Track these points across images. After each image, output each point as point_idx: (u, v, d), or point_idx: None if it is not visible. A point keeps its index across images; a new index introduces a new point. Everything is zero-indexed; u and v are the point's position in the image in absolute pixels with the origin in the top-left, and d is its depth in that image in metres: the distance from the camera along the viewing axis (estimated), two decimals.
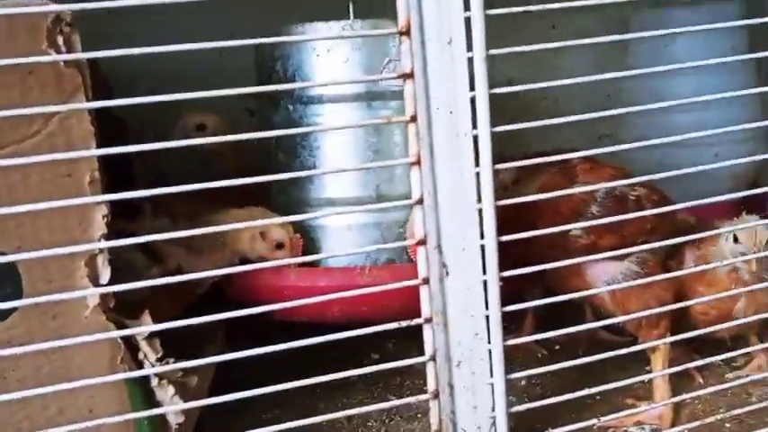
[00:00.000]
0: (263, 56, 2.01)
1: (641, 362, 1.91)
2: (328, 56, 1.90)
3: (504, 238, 1.41)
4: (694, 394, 1.84)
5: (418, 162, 1.38)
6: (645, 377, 1.81)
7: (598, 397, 1.90)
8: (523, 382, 2.03)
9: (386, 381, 2.11)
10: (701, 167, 1.74)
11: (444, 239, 1.41)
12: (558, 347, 2.27)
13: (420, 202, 1.39)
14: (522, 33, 2.79)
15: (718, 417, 1.75)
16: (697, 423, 1.72)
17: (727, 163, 1.68)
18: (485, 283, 1.42)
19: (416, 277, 1.41)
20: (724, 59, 2.06)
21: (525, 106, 2.67)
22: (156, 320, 1.44)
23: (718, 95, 1.89)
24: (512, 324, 2.17)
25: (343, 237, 1.95)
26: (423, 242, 1.41)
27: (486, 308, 1.43)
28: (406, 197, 1.84)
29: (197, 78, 1.88)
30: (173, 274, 1.65)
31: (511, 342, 1.45)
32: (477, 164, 1.38)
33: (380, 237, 1.94)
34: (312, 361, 1.67)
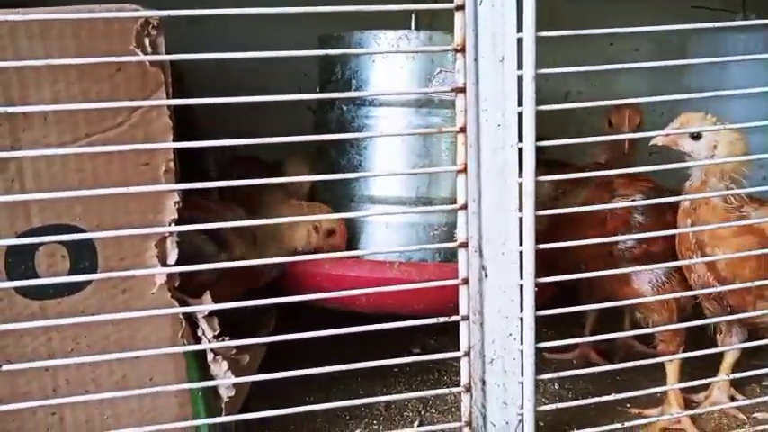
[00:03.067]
0: (325, 58, 2.14)
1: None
2: (384, 62, 2.01)
3: (542, 246, 1.50)
4: (717, 407, 1.91)
5: (465, 170, 1.48)
6: (660, 389, 1.87)
7: (628, 404, 1.98)
8: (557, 386, 2.11)
9: (425, 375, 2.21)
10: (751, 189, 1.82)
11: (485, 243, 1.51)
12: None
13: (464, 207, 1.49)
14: (580, 48, 2.87)
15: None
16: None
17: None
18: (521, 287, 1.51)
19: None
20: None
21: (582, 119, 2.73)
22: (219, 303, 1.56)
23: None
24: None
25: (381, 233, 2.06)
26: (464, 245, 1.50)
27: (521, 310, 1.52)
28: (443, 201, 1.95)
29: (267, 74, 2.02)
30: (235, 258, 1.79)
31: (542, 345, 1.53)
32: (520, 174, 1.47)
33: (416, 236, 2.04)
34: (357, 350, 1.77)
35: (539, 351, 1.53)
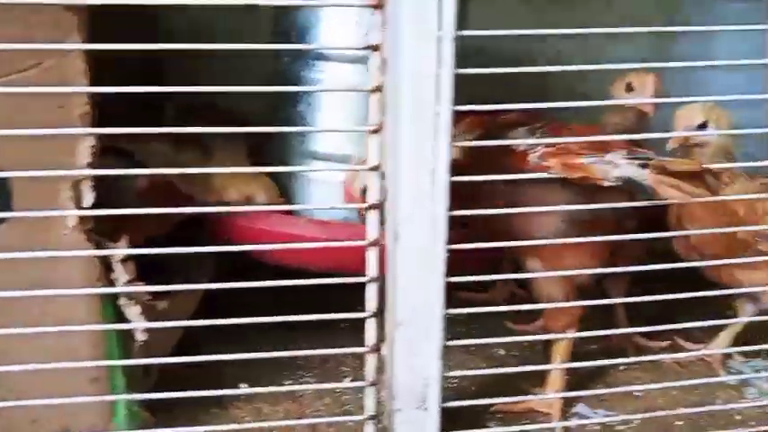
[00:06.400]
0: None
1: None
2: (320, 14, 1.98)
3: (455, 212, 1.48)
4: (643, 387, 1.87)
5: (379, 130, 1.46)
6: (544, 366, 1.85)
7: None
8: (503, 352, 2.10)
9: None
10: (735, 165, 1.91)
11: (398, 206, 1.49)
12: None
13: (377, 168, 1.47)
14: (576, 5, 2.80)
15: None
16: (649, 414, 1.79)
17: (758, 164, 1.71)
18: (432, 251, 1.49)
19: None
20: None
21: (571, 83, 2.66)
22: (141, 239, 1.58)
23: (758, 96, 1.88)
24: None
25: (309, 188, 2.07)
26: (376, 206, 1.49)
27: (432, 274, 1.50)
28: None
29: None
30: (160, 185, 1.79)
31: (452, 311, 1.52)
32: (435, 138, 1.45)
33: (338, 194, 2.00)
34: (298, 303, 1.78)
35: (447, 316, 1.52)
